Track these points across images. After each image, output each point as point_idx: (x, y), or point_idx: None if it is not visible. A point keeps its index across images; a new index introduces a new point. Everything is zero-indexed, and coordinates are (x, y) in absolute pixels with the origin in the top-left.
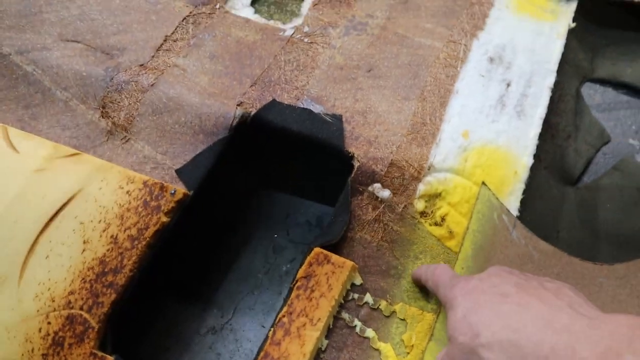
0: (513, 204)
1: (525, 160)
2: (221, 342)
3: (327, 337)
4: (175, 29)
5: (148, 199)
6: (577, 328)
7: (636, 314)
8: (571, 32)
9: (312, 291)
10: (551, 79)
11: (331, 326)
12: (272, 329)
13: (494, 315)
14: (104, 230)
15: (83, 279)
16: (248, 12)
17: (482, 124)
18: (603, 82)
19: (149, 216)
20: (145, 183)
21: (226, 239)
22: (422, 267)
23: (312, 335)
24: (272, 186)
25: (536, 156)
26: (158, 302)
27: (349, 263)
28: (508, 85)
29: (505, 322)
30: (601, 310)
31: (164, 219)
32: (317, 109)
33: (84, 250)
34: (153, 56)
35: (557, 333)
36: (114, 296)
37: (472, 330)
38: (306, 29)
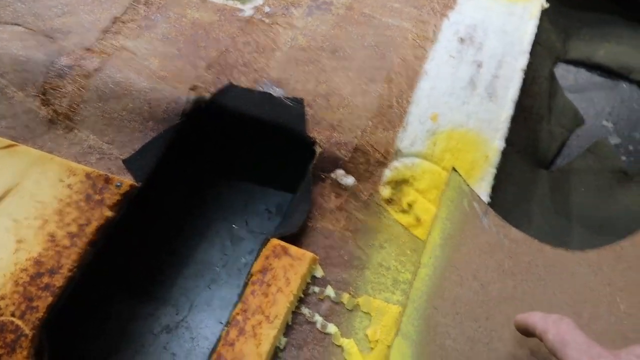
0: (484, 190)
1: (497, 143)
2: (176, 341)
3: (285, 334)
4: (126, 10)
5: (91, 192)
6: None
7: (606, 302)
8: (544, 13)
9: (269, 286)
10: (523, 60)
11: (290, 323)
12: (225, 328)
13: None
14: (40, 228)
15: (15, 281)
16: None
17: (452, 107)
18: (576, 63)
19: (92, 211)
20: (88, 175)
21: (181, 231)
22: (536, 315)
23: (269, 334)
24: (231, 174)
25: (508, 139)
26: (109, 302)
27: (309, 255)
28: (479, 66)
29: None
30: (572, 299)
31: (108, 213)
32: (277, 92)
33: (16, 250)
34: (100, 39)
35: None
36: (50, 299)
37: None
38: (267, 9)
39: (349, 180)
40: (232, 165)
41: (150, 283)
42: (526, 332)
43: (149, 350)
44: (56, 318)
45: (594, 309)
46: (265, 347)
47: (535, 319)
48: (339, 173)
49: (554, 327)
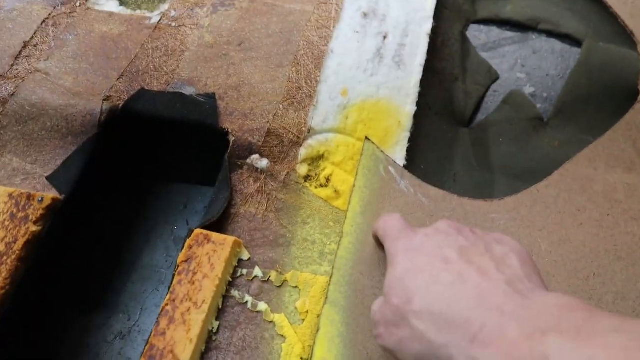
0: (400, 154)
1: (409, 108)
2: (130, 345)
3: (217, 318)
4: (34, 33)
5: (14, 211)
6: (509, 308)
7: (527, 244)
8: None
9: (194, 274)
10: (428, 25)
11: (221, 306)
12: (156, 320)
13: (430, 284)
14: None
15: None
16: (112, 6)
17: (361, 80)
18: (487, 22)
19: (17, 228)
20: (10, 195)
21: (126, 238)
22: (380, 219)
23: (198, 319)
24: (168, 177)
25: (425, 103)
26: (61, 316)
27: (230, 239)
28: (384, 37)
29: (440, 293)
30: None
31: (34, 228)
32: (188, 91)
33: None
34: (12, 65)
35: (489, 311)
36: None
37: (406, 294)
38: (173, 13)
39: (263, 162)
40: (167, 168)
41: (100, 293)
42: (377, 241)
43: (104, 359)
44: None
45: None
46: (195, 331)
47: (379, 224)
48: (254, 158)
49: (383, 224)
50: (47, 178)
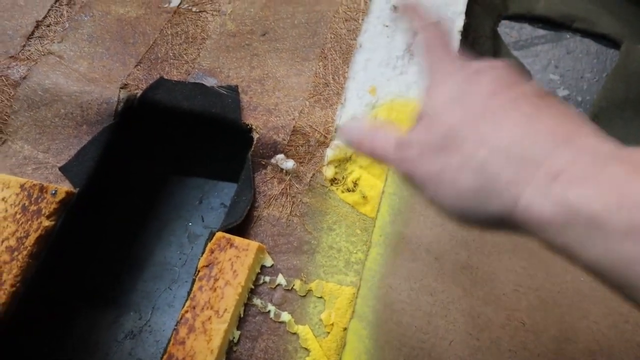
0: None
1: None
2: (141, 346)
3: (239, 327)
4: (48, 12)
5: (27, 203)
6: (604, 149)
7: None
8: None
9: (216, 280)
10: (460, 21)
11: (242, 315)
12: (175, 328)
13: (499, 112)
14: None
15: None
16: None
17: (390, 77)
18: (518, 18)
19: (29, 222)
20: (22, 186)
21: (138, 234)
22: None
23: (219, 329)
24: (183, 171)
25: None
26: (70, 314)
27: (254, 244)
28: (415, 33)
29: (512, 125)
30: (528, 262)
31: (47, 223)
32: (209, 82)
33: None
34: (24, 45)
35: (578, 150)
36: None
37: (466, 114)
38: None
39: (289, 163)
40: (183, 162)
41: (110, 290)
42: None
43: (113, 359)
44: (6, 334)
45: (549, 269)
46: (217, 342)
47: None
48: (279, 158)
49: (370, 143)
50: (61, 169)
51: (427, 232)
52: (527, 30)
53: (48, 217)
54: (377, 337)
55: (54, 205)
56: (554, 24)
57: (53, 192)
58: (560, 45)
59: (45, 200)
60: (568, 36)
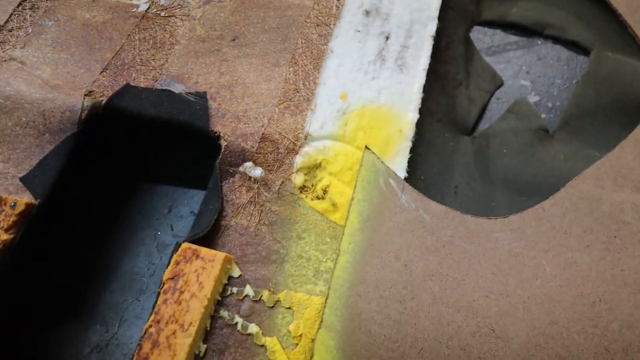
0: (400, 165)
1: (411, 116)
2: (107, 359)
3: (205, 340)
4: (10, 17)
5: None
6: None
7: (532, 266)
8: None
9: (181, 293)
10: (432, 26)
11: (209, 328)
12: (139, 343)
13: None
14: None
15: None
16: None
17: (361, 83)
18: (491, 24)
19: None
20: None
21: (105, 244)
22: None
23: (184, 343)
24: (152, 179)
25: (427, 109)
26: (33, 327)
27: (221, 255)
28: (387, 38)
29: None
30: (497, 267)
31: (5, 236)
32: (177, 88)
33: None
34: None
35: None
36: None
37: None
38: (162, 1)
39: (257, 171)
40: (151, 170)
41: (75, 302)
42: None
43: None
44: None
45: (519, 274)
46: (181, 356)
47: None
48: (247, 165)
49: None
50: (21, 179)
51: (396, 238)
52: (499, 36)
53: (7, 231)
54: (345, 347)
55: (13, 218)
56: (526, 30)
57: (12, 204)
58: (532, 52)
59: (3, 213)
60: (539, 42)
